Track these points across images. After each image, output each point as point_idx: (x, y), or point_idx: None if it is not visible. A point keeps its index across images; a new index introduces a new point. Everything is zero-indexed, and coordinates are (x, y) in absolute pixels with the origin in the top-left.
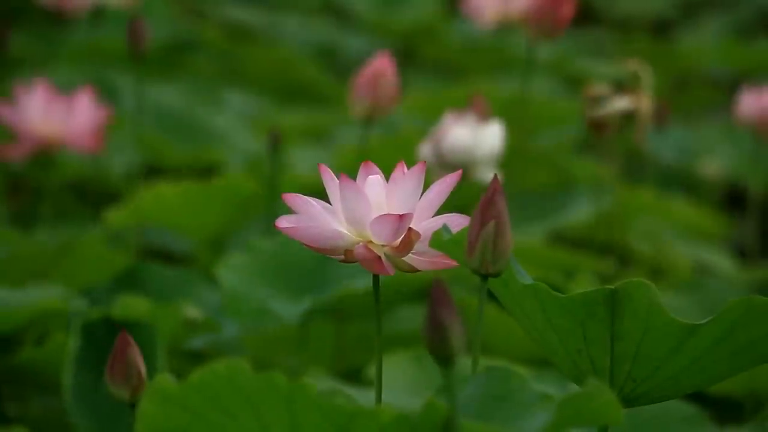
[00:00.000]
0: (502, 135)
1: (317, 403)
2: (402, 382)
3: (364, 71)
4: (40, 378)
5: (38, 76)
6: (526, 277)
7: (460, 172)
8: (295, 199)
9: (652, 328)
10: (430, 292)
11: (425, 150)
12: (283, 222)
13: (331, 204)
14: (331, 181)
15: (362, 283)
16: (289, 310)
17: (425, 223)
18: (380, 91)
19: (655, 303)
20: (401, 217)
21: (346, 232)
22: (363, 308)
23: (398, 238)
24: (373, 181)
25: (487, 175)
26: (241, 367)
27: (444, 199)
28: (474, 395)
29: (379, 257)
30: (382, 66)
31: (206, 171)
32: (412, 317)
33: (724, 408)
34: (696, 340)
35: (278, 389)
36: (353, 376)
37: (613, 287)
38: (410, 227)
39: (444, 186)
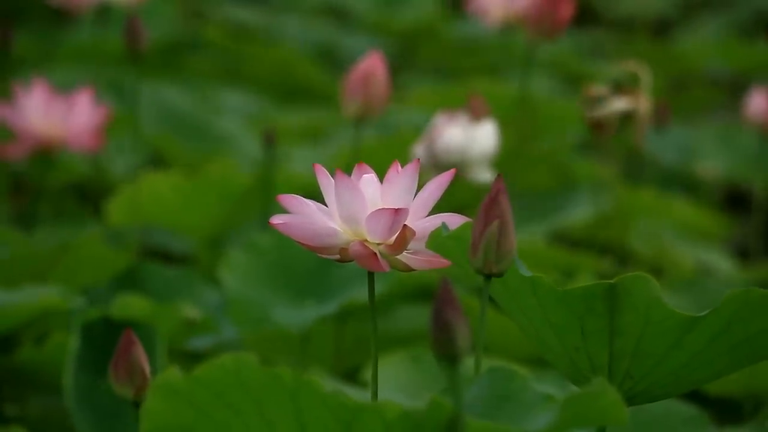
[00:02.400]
0: (496, 135)
1: (323, 398)
2: (399, 383)
3: (355, 71)
4: (40, 378)
5: (40, 76)
6: (525, 270)
7: (453, 171)
8: (290, 200)
9: (651, 323)
10: (435, 291)
11: (419, 150)
12: (278, 219)
13: (327, 205)
14: (326, 181)
15: (364, 291)
16: (292, 318)
17: (420, 222)
18: (371, 91)
19: (654, 297)
20: (397, 211)
21: (340, 230)
22: (362, 309)
23: (393, 234)
24: (367, 180)
25: (481, 175)
26: (247, 360)
27: (438, 198)
28: (477, 396)
29: (375, 253)
30: (372, 66)
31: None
32: (409, 317)
33: (723, 408)
34: (695, 335)
35: (284, 384)
36: (352, 376)
37: (612, 281)
38: (405, 224)
39: (438, 185)
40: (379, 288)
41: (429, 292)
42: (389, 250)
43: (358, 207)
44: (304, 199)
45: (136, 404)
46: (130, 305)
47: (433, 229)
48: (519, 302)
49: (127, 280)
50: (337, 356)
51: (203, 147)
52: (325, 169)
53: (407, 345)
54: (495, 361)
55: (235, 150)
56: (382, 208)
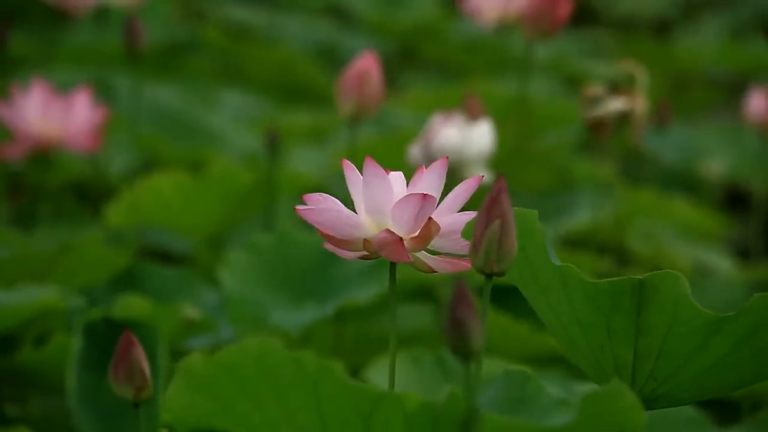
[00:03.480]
0: (493, 134)
1: (344, 386)
2: (400, 383)
3: (350, 71)
4: (40, 378)
5: (37, 76)
6: (556, 259)
7: (480, 177)
8: (316, 197)
9: (678, 322)
10: (450, 290)
11: (415, 150)
12: (303, 207)
13: (351, 199)
14: (354, 174)
15: (363, 292)
16: (290, 319)
17: (446, 219)
18: (366, 91)
19: (683, 295)
20: (424, 197)
21: (365, 223)
22: (362, 309)
23: (419, 224)
24: (395, 177)
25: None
26: (271, 345)
27: (465, 201)
28: (493, 398)
29: (401, 239)
30: (367, 65)
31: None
32: (409, 317)
33: (721, 407)
34: (721, 338)
35: (306, 371)
36: (351, 377)
37: (640, 277)
38: (431, 217)
39: (466, 188)
40: (380, 288)
41: (429, 293)
42: (413, 244)
43: (385, 195)
44: (330, 197)
45: (137, 405)
46: (131, 305)
47: (457, 225)
48: (548, 296)
49: (127, 281)
50: (335, 357)
51: (195, 145)
52: (352, 164)
53: (407, 345)
54: (493, 361)
55: (228, 147)
56: (410, 194)
